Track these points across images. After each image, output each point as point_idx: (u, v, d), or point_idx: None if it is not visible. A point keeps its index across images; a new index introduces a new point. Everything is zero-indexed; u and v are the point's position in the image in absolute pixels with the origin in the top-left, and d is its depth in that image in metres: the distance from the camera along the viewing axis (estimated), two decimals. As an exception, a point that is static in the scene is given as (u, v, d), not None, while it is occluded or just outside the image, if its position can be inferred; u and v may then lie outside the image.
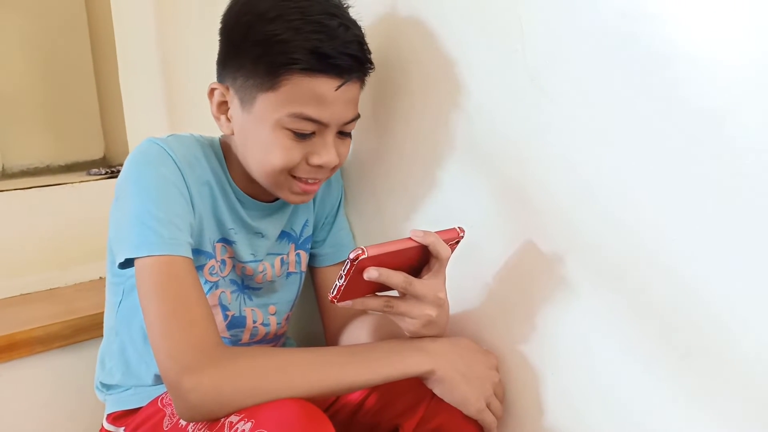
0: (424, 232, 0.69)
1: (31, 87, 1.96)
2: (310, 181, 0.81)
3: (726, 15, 0.56)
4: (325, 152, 0.78)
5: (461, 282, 0.84)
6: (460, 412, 0.76)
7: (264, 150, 0.77)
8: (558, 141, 0.71)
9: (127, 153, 1.61)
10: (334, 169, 0.82)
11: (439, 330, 0.76)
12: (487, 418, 0.76)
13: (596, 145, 0.68)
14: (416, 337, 0.76)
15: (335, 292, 0.68)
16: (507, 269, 0.80)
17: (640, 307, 0.67)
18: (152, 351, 0.69)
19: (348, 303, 0.70)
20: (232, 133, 0.81)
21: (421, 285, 0.70)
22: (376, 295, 0.72)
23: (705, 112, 0.59)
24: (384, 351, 0.73)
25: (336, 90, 0.74)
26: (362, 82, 0.81)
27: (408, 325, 0.73)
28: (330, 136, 0.78)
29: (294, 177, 0.80)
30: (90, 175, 1.68)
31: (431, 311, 0.72)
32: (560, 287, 0.74)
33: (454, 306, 0.81)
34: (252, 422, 0.61)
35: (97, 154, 2.06)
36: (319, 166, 0.79)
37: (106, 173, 1.65)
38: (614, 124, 0.66)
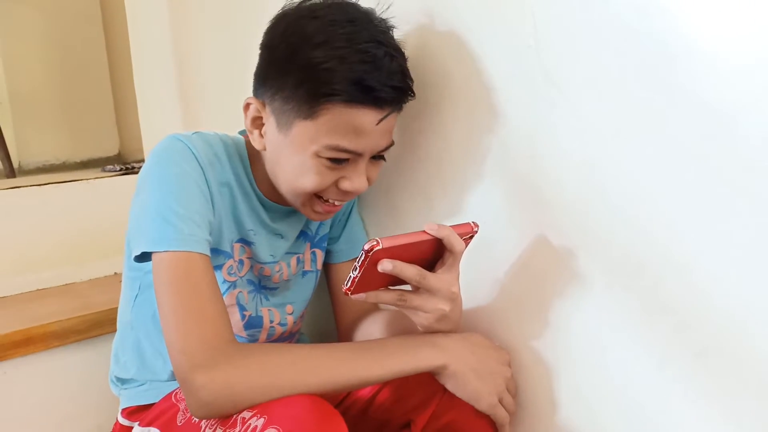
0: (439, 225, 0.69)
1: (46, 85, 1.98)
2: (336, 203, 0.81)
3: (741, 12, 0.56)
4: (357, 178, 0.78)
5: (474, 278, 0.84)
6: (472, 408, 0.76)
7: (296, 173, 0.77)
8: (571, 137, 0.71)
9: (141, 150, 1.62)
10: (360, 192, 0.81)
11: (452, 325, 0.76)
12: (500, 413, 0.76)
13: (610, 142, 0.67)
14: (429, 332, 0.76)
15: (349, 284, 0.68)
16: (520, 265, 0.80)
17: (653, 304, 0.66)
18: (166, 346, 0.69)
19: (362, 296, 0.70)
20: (264, 149, 0.80)
21: (434, 279, 0.70)
22: (390, 289, 0.72)
23: (719, 109, 0.58)
24: (396, 346, 0.73)
25: (377, 124, 0.74)
26: (400, 110, 0.79)
27: (421, 319, 0.73)
28: (363, 163, 0.78)
29: (320, 198, 0.80)
30: (105, 171, 1.69)
31: (445, 305, 0.72)
32: (573, 284, 0.74)
33: (467, 302, 0.81)
34: (265, 418, 0.62)
35: (112, 150, 2.07)
36: (348, 192, 0.79)
37: (121, 170, 1.67)
38: (628, 120, 0.65)
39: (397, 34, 0.79)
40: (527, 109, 0.75)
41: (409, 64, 0.78)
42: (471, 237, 0.73)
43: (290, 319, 0.94)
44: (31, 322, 1.11)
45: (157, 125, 1.52)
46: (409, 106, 0.81)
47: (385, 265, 0.66)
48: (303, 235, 0.95)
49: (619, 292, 0.69)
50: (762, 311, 0.58)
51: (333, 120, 0.73)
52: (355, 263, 0.67)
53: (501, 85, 0.78)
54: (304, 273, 0.96)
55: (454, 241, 0.69)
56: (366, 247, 0.65)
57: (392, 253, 0.67)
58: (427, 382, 0.78)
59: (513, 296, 0.82)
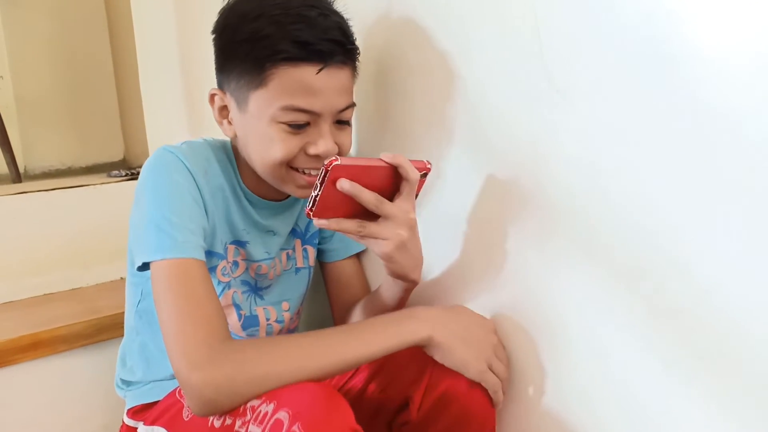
0: (394, 154, 0.72)
1: (52, 90, 1.99)
2: (312, 173, 0.82)
3: (745, 15, 0.56)
4: (322, 142, 0.79)
5: (474, 278, 0.85)
6: (464, 376, 0.77)
7: (263, 146, 0.80)
8: (575, 141, 0.71)
9: (146, 155, 1.64)
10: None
11: (412, 257, 0.78)
12: (490, 380, 0.77)
13: (614, 146, 0.68)
14: (390, 263, 0.78)
15: (310, 204, 0.71)
16: (521, 267, 0.80)
17: (657, 307, 0.67)
18: (166, 350, 0.71)
19: (323, 222, 0.73)
20: (235, 136, 0.84)
21: (391, 206, 0.74)
22: (350, 219, 0.74)
23: (723, 113, 0.58)
24: (381, 324, 0.75)
25: (317, 73, 0.76)
26: (352, 69, 0.83)
27: (381, 247, 0.75)
28: (325, 125, 0.80)
29: (296, 170, 0.82)
30: (111, 176, 1.70)
31: (403, 231, 0.74)
32: (576, 286, 0.74)
33: (469, 304, 0.81)
34: (274, 403, 0.64)
35: (117, 156, 2.08)
36: (317, 156, 0.80)
37: (126, 175, 1.68)
38: (632, 124, 0.66)
39: (395, 41, 0.81)
40: (531, 114, 0.75)
41: (413, 71, 0.80)
42: (425, 175, 0.77)
43: (287, 316, 0.96)
44: (39, 326, 1.12)
45: (163, 131, 1.54)
46: (414, 112, 0.82)
47: (344, 184, 0.70)
48: (293, 232, 0.97)
49: (623, 294, 0.70)
50: (764, 314, 0.58)
51: (281, 82, 0.76)
52: (316, 182, 0.70)
53: (505, 90, 0.78)
54: (298, 270, 0.98)
55: (409, 169, 0.73)
56: (326, 162, 0.68)
57: (350, 172, 0.70)
58: (416, 358, 0.80)
59: (514, 299, 0.82)
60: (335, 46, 0.77)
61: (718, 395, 0.63)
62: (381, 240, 0.75)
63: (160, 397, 0.88)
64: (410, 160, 0.74)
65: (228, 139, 0.90)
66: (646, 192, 0.66)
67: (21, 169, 1.88)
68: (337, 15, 0.80)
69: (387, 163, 0.72)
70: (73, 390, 1.13)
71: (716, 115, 0.59)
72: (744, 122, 0.57)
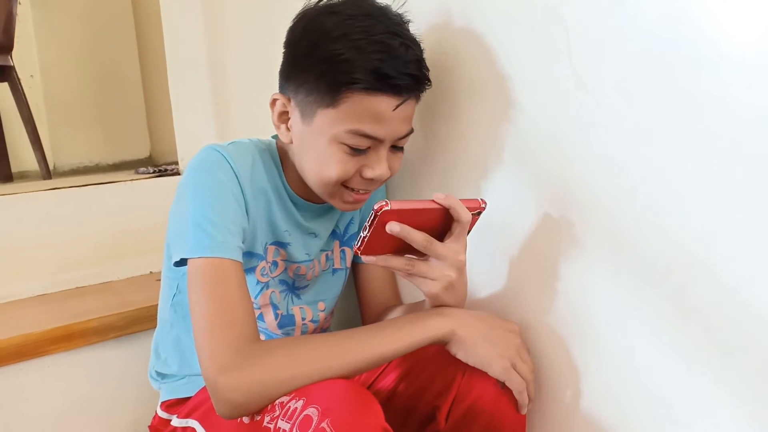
0: (447, 195, 0.72)
1: (80, 89, 2.03)
2: (361, 191, 0.84)
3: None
4: (378, 166, 0.80)
5: (503, 285, 0.86)
6: (494, 387, 0.77)
7: (321, 162, 0.80)
8: (602, 141, 0.72)
9: (171, 152, 1.66)
10: (384, 180, 0.84)
11: (458, 297, 0.78)
12: (514, 378, 0.77)
13: (641, 146, 0.68)
14: (437, 303, 0.78)
15: (359, 243, 0.71)
16: (547, 268, 0.81)
17: (683, 305, 0.67)
18: (195, 350, 0.72)
19: (371, 258, 0.73)
20: (291, 142, 0.84)
21: (441, 246, 0.73)
22: (399, 256, 0.75)
23: (749, 113, 0.59)
24: (406, 321, 0.76)
25: (394, 110, 0.77)
26: (418, 99, 0.83)
27: (429, 287, 0.75)
28: (384, 151, 0.81)
29: (347, 187, 0.83)
30: (138, 173, 1.73)
31: (451, 272, 0.74)
32: (603, 286, 0.75)
33: (495, 306, 0.82)
34: (303, 400, 0.65)
35: (143, 153, 2.13)
36: (371, 179, 0.81)
37: (153, 172, 1.70)
38: (659, 124, 0.66)
39: (430, 45, 0.81)
40: (559, 115, 0.76)
41: (444, 73, 0.80)
42: (479, 213, 0.76)
43: (322, 316, 0.97)
44: (72, 318, 1.14)
45: (190, 129, 1.56)
46: (443, 114, 0.83)
47: (393, 227, 0.70)
48: (333, 233, 0.98)
49: (648, 293, 0.70)
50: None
51: (353, 107, 0.76)
52: (366, 223, 0.70)
53: (534, 91, 0.79)
54: (335, 271, 0.99)
55: (461, 210, 0.73)
56: (375, 207, 0.68)
57: (401, 216, 0.70)
58: (446, 368, 0.80)
59: (541, 298, 0.83)
60: (412, 81, 0.77)
61: (743, 394, 0.63)
62: (429, 280, 0.75)
63: (193, 393, 0.90)
64: (464, 200, 0.74)
65: (273, 140, 0.91)
66: (671, 191, 0.66)
67: (51, 166, 1.93)
68: (417, 46, 0.80)
69: (439, 204, 0.72)
70: (106, 381, 1.15)
71: (742, 115, 0.59)
72: (770, 122, 0.57)
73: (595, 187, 0.74)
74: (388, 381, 0.88)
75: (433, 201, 0.72)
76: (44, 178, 1.87)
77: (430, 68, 0.82)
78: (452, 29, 0.89)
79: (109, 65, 2.09)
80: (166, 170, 1.72)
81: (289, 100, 0.83)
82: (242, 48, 1.38)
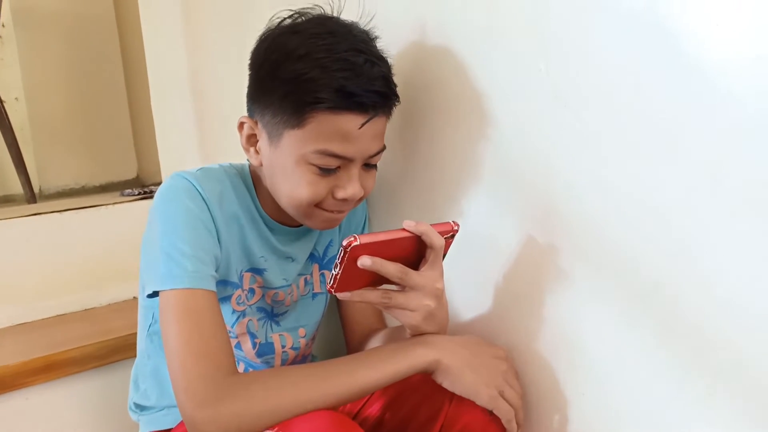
0: (417, 222, 0.70)
1: (65, 110, 2.02)
2: (335, 212, 0.82)
3: (745, 25, 0.56)
4: (350, 186, 0.78)
5: (493, 304, 0.83)
6: (482, 413, 0.75)
7: (291, 184, 0.78)
8: (585, 157, 0.71)
9: (159, 173, 1.64)
10: (359, 200, 0.82)
11: (438, 324, 0.76)
12: (502, 407, 0.75)
13: (625, 160, 0.67)
14: (417, 332, 0.76)
15: (331, 282, 0.69)
16: (535, 286, 0.79)
17: (672, 323, 0.66)
18: (171, 384, 0.70)
19: (346, 295, 0.71)
20: (261, 165, 0.82)
21: (417, 275, 0.71)
22: (375, 288, 0.73)
23: (735, 127, 0.58)
24: (389, 351, 0.74)
25: (360, 128, 0.75)
26: (388, 116, 0.81)
27: (408, 318, 0.74)
28: (355, 170, 0.79)
29: (321, 209, 0.81)
30: (124, 195, 1.71)
31: (430, 302, 0.72)
32: (590, 303, 0.73)
33: (482, 323, 0.80)
34: None
35: (130, 174, 2.11)
36: (345, 200, 0.79)
37: (139, 193, 1.69)
38: (642, 138, 0.65)
39: (408, 63, 0.79)
40: (539, 130, 0.75)
41: (422, 90, 0.79)
42: (452, 236, 0.74)
43: (303, 342, 0.95)
44: (52, 348, 1.12)
45: (174, 150, 1.55)
46: (423, 131, 0.82)
47: (365, 261, 0.67)
48: (311, 256, 0.96)
49: (637, 311, 0.69)
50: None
51: (319, 126, 0.74)
52: (336, 260, 0.68)
53: (513, 107, 0.78)
54: (315, 295, 0.97)
55: (433, 236, 0.71)
56: (344, 243, 0.66)
57: (371, 249, 0.68)
58: (433, 396, 0.78)
59: (528, 316, 0.81)
60: (379, 98, 0.76)
61: (735, 413, 0.62)
62: (408, 311, 0.73)
63: (173, 424, 0.87)
64: (435, 224, 0.72)
65: (245, 163, 0.89)
66: (658, 205, 0.65)
67: (36, 189, 1.90)
68: (384, 62, 0.78)
69: (410, 232, 0.70)
70: (87, 413, 1.13)
71: (727, 128, 0.58)
72: (757, 133, 0.56)
73: (579, 204, 0.73)
74: (373, 410, 0.86)
75: (403, 230, 0.70)
76: (29, 202, 1.85)
77: (407, 86, 0.80)
78: (429, 46, 0.87)
79: (95, 86, 2.07)
80: (151, 191, 1.70)
81: (256, 122, 0.81)
82: (224, 68, 1.37)
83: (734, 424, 0.62)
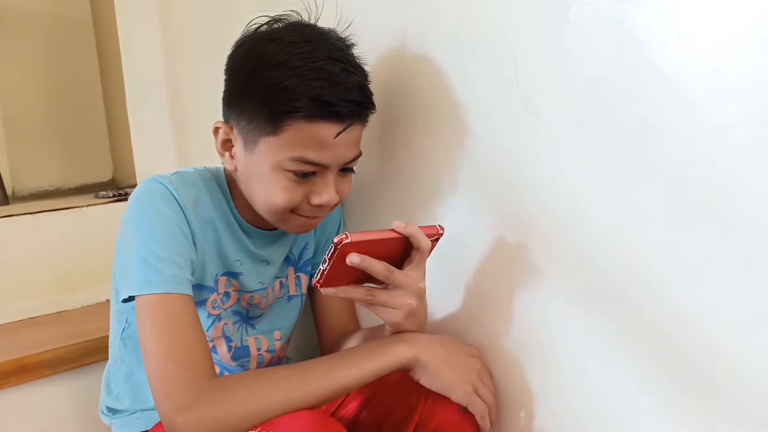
0: (406, 223, 0.72)
1: (40, 111, 1.99)
2: (311, 217, 0.82)
3: (714, 44, 0.57)
4: (326, 192, 0.79)
5: (464, 304, 0.85)
6: (456, 412, 0.77)
7: (266, 190, 0.79)
8: (552, 165, 0.72)
9: (134, 176, 1.64)
10: (335, 205, 0.83)
11: (418, 323, 0.78)
12: (477, 403, 0.77)
13: (590, 168, 0.69)
14: (398, 330, 0.77)
15: (319, 276, 0.70)
16: (503, 291, 0.81)
17: (634, 328, 0.67)
18: (150, 390, 0.70)
19: (331, 290, 0.72)
20: (236, 170, 0.82)
21: (402, 275, 0.73)
22: (359, 285, 0.74)
23: (698, 136, 0.59)
24: (368, 349, 0.75)
25: (336, 137, 0.75)
26: (364, 123, 0.82)
27: (390, 315, 0.75)
28: (330, 176, 0.79)
29: (296, 214, 0.81)
30: (98, 197, 1.70)
31: (412, 301, 0.74)
32: (557, 307, 0.75)
33: (449, 327, 0.81)
34: None
35: (106, 176, 2.08)
36: (320, 206, 0.80)
37: (114, 195, 1.67)
38: (606, 147, 0.67)
39: (383, 70, 0.80)
40: (510, 137, 0.76)
41: (397, 96, 0.80)
42: (437, 239, 0.76)
43: (278, 345, 0.95)
44: (24, 351, 1.11)
45: (150, 151, 1.54)
46: (398, 136, 0.82)
47: (353, 258, 0.69)
48: (287, 259, 0.96)
49: (600, 316, 0.70)
50: (742, 335, 0.59)
51: (295, 135, 0.74)
52: (325, 256, 0.69)
53: (484, 115, 0.79)
54: (290, 298, 0.98)
55: (421, 238, 0.72)
56: (335, 240, 0.67)
57: (361, 247, 0.69)
58: (408, 394, 0.79)
59: (494, 320, 0.82)
60: (355, 107, 0.76)
61: (693, 415, 0.64)
62: (390, 309, 0.74)
63: (147, 427, 0.87)
64: (422, 227, 0.73)
65: (220, 167, 0.89)
66: (621, 212, 0.67)
67: (9, 191, 1.88)
68: (360, 71, 0.78)
69: (398, 233, 0.72)
70: (59, 416, 1.12)
71: (690, 137, 0.60)
72: (722, 144, 0.58)
73: (547, 211, 0.74)
74: (350, 408, 0.87)
75: (392, 230, 0.72)
76: (2, 204, 1.83)
77: (384, 92, 0.81)
78: (407, 54, 0.88)
79: (71, 87, 2.05)
80: (125, 194, 1.69)
81: (231, 128, 0.81)
82: (200, 71, 1.37)
83: (697, 422, 0.64)
